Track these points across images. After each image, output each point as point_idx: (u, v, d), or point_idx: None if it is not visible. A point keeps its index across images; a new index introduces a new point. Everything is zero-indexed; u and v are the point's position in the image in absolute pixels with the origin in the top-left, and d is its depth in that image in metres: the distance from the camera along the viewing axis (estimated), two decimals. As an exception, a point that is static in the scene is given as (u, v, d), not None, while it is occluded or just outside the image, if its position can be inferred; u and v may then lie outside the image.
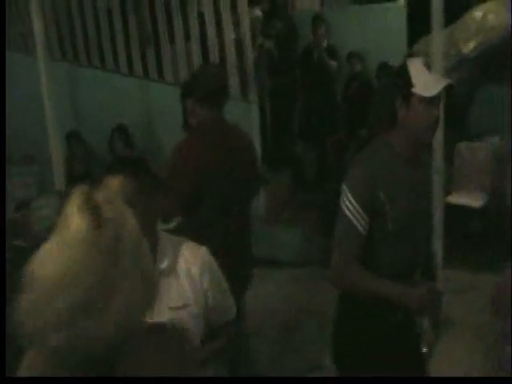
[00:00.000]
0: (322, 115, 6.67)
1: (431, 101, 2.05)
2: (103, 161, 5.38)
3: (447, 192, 5.06)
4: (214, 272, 1.90)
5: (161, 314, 1.62)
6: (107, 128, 5.41)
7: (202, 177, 2.84)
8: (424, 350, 2.22)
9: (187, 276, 1.83)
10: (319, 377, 2.38)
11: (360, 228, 2.03)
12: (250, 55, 5.46)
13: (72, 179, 5.27)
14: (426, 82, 2.04)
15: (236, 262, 1.98)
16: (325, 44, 6.69)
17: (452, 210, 4.80)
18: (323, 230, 5.52)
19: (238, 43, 5.43)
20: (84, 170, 5.57)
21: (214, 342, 1.93)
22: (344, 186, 2.07)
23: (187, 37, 5.55)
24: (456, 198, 5.53)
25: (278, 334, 4.17)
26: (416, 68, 2.08)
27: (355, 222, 2.03)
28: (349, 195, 2.03)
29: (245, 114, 5.20)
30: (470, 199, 5.55)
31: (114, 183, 1.74)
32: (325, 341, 4.11)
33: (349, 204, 2.03)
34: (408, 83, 2.05)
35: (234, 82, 5.35)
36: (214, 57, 5.38)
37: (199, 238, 1.95)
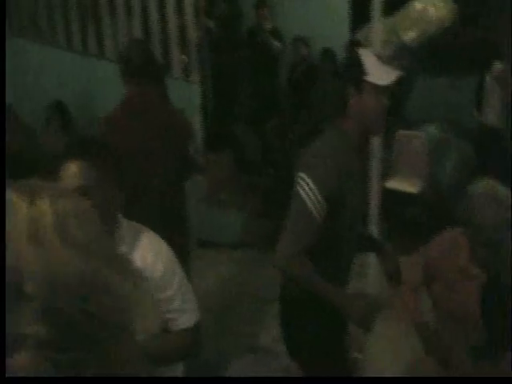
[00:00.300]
0: (265, 98, 6.68)
1: (383, 90, 2.08)
2: (39, 138, 5.21)
3: (385, 178, 5.17)
4: (170, 265, 1.82)
5: None
6: (44, 104, 5.24)
7: (124, 149, 2.81)
8: (356, 355, 2.27)
9: (142, 263, 1.75)
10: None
11: (318, 218, 2.00)
12: (193, 34, 5.38)
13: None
14: (379, 71, 2.07)
15: (171, 244, 1.90)
16: (269, 26, 6.69)
17: (389, 196, 4.91)
18: (264, 213, 5.57)
19: (181, 21, 5.34)
20: (19, 146, 5.38)
21: (165, 342, 1.83)
22: (303, 175, 2.03)
23: (128, 12, 5.42)
24: (393, 184, 5.66)
25: (216, 316, 4.17)
26: (369, 57, 2.09)
27: (315, 211, 1.99)
28: (311, 184, 1.99)
29: (186, 94, 5.14)
30: (407, 185, 5.69)
31: (73, 170, 1.64)
32: (263, 323, 4.18)
33: (310, 193, 1.99)
34: (361, 71, 2.06)
35: (175, 60, 5.28)
36: (155, 34, 5.28)
37: (129, 217, 1.87)
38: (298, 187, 2.02)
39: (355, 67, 2.09)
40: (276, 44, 6.65)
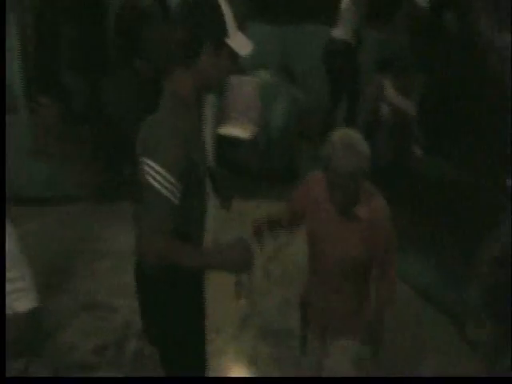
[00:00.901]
0: (92, 44, 6.34)
1: (236, 56, 2.01)
2: None
3: (218, 123, 5.19)
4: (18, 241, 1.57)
5: None
6: None
7: None
8: (242, 301, 2.24)
9: None
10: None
11: (173, 199, 1.89)
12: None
13: None
14: (239, 38, 2.01)
15: None
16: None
17: (222, 141, 4.95)
18: (93, 166, 5.37)
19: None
20: None
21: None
22: (149, 161, 1.88)
23: None
24: (226, 130, 5.70)
25: (49, 275, 4.00)
26: (230, 20, 1.99)
27: (170, 195, 1.88)
28: (159, 169, 1.87)
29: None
30: (239, 131, 5.76)
31: None
32: (99, 278, 4.09)
33: (161, 179, 1.87)
34: (224, 32, 1.97)
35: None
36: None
37: None
38: (147, 176, 1.88)
39: (218, 26, 1.97)
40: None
